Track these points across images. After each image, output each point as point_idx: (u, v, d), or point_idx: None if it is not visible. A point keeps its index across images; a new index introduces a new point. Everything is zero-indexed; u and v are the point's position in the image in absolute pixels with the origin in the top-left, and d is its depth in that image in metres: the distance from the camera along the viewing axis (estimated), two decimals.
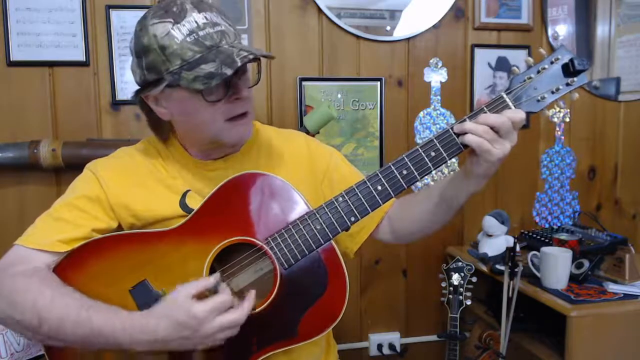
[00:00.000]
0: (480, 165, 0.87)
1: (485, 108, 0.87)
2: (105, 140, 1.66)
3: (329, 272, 0.93)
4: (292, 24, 1.77)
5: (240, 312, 0.87)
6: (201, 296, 0.86)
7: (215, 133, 0.95)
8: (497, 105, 0.87)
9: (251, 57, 0.89)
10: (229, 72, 0.86)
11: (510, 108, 0.87)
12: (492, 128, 0.84)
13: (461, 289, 1.55)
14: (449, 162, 0.90)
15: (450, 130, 0.88)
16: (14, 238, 0.96)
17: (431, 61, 1.87)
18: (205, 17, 0.89)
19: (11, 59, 1.60)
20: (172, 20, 0.87)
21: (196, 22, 0.88)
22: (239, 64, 0.86)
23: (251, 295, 0.90)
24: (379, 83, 1.84)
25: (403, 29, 1.84)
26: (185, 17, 0.88)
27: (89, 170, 1.03)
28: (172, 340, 0.85)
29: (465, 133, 0.86)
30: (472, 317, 1.80)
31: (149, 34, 0.88)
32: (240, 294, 0.97)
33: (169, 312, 0.85)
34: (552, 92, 0.87)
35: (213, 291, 0.87)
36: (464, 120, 0.87)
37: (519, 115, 0.85)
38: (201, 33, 0.88)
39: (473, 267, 1.55)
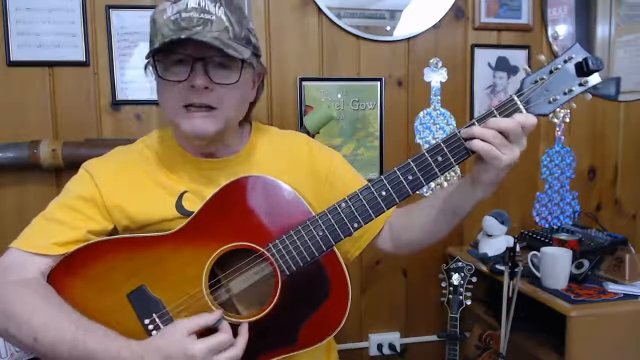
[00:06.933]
0: (488, 172, 0.85)
1: (495, 111, 0.83)
2: (105, 139, 1.65)
3: (331, 280, 0.91)
4: (292, 24, 1.77)
5: (236, 351, 0.86)
6: (200, 332, 0.85)
7: (172, 117, 0.94)
8: (507, 108, 0.83)
9: (200, 38, 0.84)
10: (170, 38, 0.84)
11: (520, 111, 0.83)
12: (501, 133, 0.81)
13: (461, 289, 1.55)
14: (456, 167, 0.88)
15: (458, 134, 0.84)
16: (14, 238, 0.96)
17: (431, 61, 1.87)
18: (199, 3, 0.88)
19: (11, 59, 1.60)
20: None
21: (186, 4, 0.88)
22: (183, 36, 0.84)
23: (244, 329, 0.89)
24: (379, 83, 1.83)
25: (403, 29, 1.84)
26: None
27: (84, 169, 1.02)
28: None
29: (473, 138, 0.82)
30: (472, 317, 1.80)
31: (156, 8, 0.92)
32: (241, 299, 0.96)
33: (165, 346, 0.83)
34: (565, 93, 0.83)
35: (214, 328, 0.86)
36: (472, 123, 0.83)
37: (531, 120, 0.82)
38: (184, 15, 0.87)
39: (473, 267, 1.55)
